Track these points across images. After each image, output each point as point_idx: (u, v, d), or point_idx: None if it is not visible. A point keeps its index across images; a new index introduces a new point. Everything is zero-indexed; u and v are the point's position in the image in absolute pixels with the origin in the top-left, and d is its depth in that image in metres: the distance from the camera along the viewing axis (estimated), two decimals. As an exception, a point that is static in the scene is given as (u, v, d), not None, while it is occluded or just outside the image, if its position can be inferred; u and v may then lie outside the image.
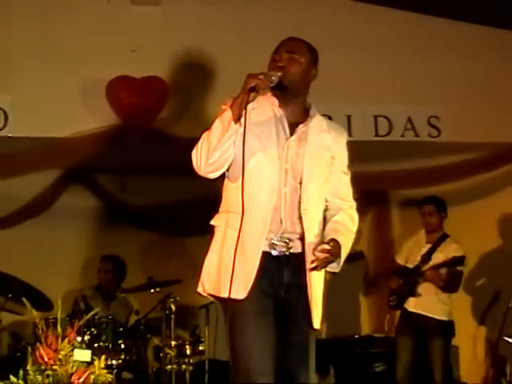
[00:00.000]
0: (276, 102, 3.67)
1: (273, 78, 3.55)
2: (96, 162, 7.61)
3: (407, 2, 7.23)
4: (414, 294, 6.67)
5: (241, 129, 3.46)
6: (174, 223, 8.04)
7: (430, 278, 6.58)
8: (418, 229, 6.88)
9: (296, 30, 7.13)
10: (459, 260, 6.57)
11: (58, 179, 8.07)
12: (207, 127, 3.57)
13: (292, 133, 3.65)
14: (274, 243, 3.57)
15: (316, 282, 3.64)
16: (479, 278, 7.73)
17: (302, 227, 3.60)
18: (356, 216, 3.81)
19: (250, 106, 3.48)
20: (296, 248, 3.60)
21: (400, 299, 6.78)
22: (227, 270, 3.49)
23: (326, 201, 3.76)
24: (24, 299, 5.95)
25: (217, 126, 3.50)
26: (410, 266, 6.79)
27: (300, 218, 3.60)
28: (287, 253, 3.59)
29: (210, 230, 3.70)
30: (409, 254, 6.91)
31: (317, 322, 3.63)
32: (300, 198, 3.61)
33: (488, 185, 7.68)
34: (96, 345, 6.29)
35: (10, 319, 6.90)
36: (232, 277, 3.43)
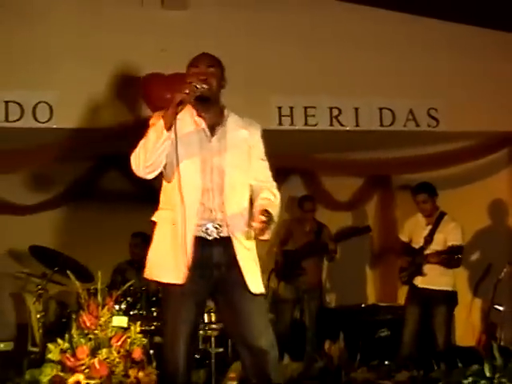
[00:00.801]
0: (194, 112, 3.80)
1: (197, 88, 3.65)
2: (130, 149, 7.65)
3: (409, 6, 7.22)
4: (420, 273, 6.71)
5: (172, 136, 3.63)
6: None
7: (432, 261, 6.64)
8: (416, 209, 6.90)
9: (308, 32, 7.26)
10: (457, 250, 6.60)
11: (96, 165, 8.14)
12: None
13: (213, 134, 3.79)
14: (207, 230, 3.73)
15: (244, 256, 3.76)
16: (473, 254, 7.73)
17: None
18: (277, 192, 3.90)
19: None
20: (224, 233, 3.74)
21: (409, 276, 6.83)
22: (163, 258, 3.73)
23: (250, 186, 3.88)
24: (68, 272, 6.03)
25: (151, 134, 3.67)
26: (416, 246, 6.84)
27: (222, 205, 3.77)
28: (217, 237, 3.74)
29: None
30: (411, 233, 6.96)
31: (255, 288, 3.73)
32: (223, 189, 3.76)
33: (480, 170, 7.70)
34: (132, 312, 6.33)
35: (56, 290, 6.98)
36: (189, 262, 3.63)
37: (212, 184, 3.76)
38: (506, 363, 6.18)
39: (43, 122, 6.87)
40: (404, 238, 7.05)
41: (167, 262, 3.71)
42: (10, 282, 7.60)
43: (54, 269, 6.70)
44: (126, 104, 7.04)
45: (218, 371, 5.76)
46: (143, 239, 7.52)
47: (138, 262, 7.47)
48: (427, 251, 6.74)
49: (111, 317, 5.38)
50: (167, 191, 3.82)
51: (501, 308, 7.22)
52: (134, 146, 7.29)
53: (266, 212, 3.63)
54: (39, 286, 6.69)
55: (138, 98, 7.01)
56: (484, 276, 7.41)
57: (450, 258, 6.64)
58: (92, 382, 5.01)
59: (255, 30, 7.14)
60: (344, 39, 7.25)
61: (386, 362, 6.22)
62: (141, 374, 5.20)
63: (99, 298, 5.39)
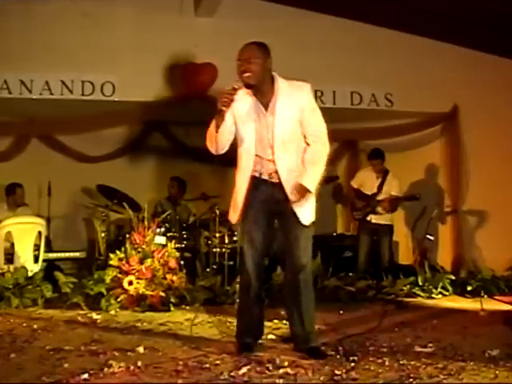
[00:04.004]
0: (250, 92, 3.50)
1: (236, 87, 3.37)
2: (170, 118, 7.65)
3: (372, 18, 7.24)
4: (375, 212, 6.70)
5: (229, 122, 3.45)
6: (220, 158, 8.05)
7: (383, 207, 6.66)
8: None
9: (300, 36, 7.21)
10: (397, 199, 6.70)
11: (145, 128, 8.11)
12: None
13: (267, 108, 3.50)
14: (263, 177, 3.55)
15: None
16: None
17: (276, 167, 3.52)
18: (321, 148, 3.53)
19: (236, 97, 3.39)
20: (276, 180, 3.53)
21: (364, 215, 6.79)
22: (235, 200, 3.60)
23: (305, 138, 3.55)
24: (124, 203, 6.10)
25: (211, 127, 3.45)
26: (368, 193, 6.79)
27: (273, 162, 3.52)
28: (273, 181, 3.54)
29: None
30: (363, 182, 6.90)
31: (304, 221, 3.55)
32: (273, 149, 3.49)
33: (420, 140, 7.69)
34: (168, 234, 6.33)
35: (115, 217, 7.01)
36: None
37: (264, 143, 3.49)
38: (433, 276, 6.31)
39: (108, 96, 6.88)
40: (355, 185, 6.97)
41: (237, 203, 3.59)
42: (83, 210, 7.63)
43: (113, 201, 6.74)
44: (167, 84, 7.00)
45: (229, 277, 5.82)
46: (179, 182, 7.56)
47: (173, 198, 7.51)
48: (379, 197, 6.73)
49: (154, 236, 5.47)
50: (239, 154, 3.60)
51: (431, 237, 7.31)
52: (172, 115, 7.32)
53: (299, 185, 3.44)
54: (103, 214, 6.76)
55: (177, 80, 6.97)
56: (420, 215, 7.43)
57: (394, 205, 6.70)
58: (140, 281, 5.12)
59: (262, 34, 6.85)
60: (327, 43, 7.24)
61: (350, 274, 6.27)
62: (174, 278, 5.31)
63: (145, 223, 5.48)
